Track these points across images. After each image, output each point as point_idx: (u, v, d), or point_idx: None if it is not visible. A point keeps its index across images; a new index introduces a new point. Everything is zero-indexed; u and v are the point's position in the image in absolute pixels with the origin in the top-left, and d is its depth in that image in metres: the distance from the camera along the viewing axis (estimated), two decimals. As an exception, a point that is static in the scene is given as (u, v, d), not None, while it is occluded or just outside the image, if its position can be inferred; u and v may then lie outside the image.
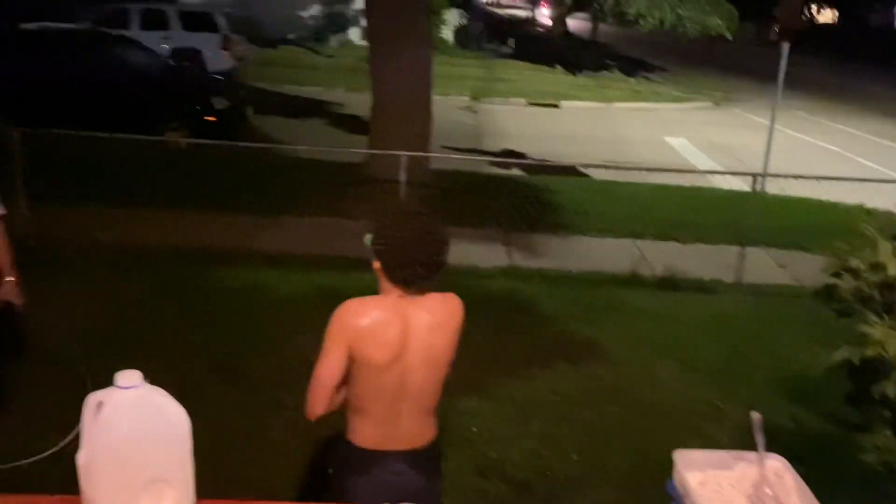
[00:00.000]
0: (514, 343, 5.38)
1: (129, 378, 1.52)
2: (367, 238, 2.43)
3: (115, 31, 13.59)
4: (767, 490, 1.81)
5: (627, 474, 4.05)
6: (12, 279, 3.69)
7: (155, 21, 16.64)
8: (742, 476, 1.86)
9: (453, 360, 2.41)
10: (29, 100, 9.12)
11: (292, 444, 4.10)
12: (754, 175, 7.53)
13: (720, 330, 5.92)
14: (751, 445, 1.90)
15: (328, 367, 2.24)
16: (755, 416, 1.89)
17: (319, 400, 2.27)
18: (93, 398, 1.53)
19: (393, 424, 2.35)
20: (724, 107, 19.76)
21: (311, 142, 10.34)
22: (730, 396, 4.83)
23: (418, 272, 2.25)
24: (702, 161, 12.83)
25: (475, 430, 4.40)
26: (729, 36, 19.88)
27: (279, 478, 3.89)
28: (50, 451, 3.82)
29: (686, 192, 9.76)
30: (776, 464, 1.89)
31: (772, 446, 1.91)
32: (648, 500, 3.84)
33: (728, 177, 10.07)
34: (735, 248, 7.21)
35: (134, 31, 15.61)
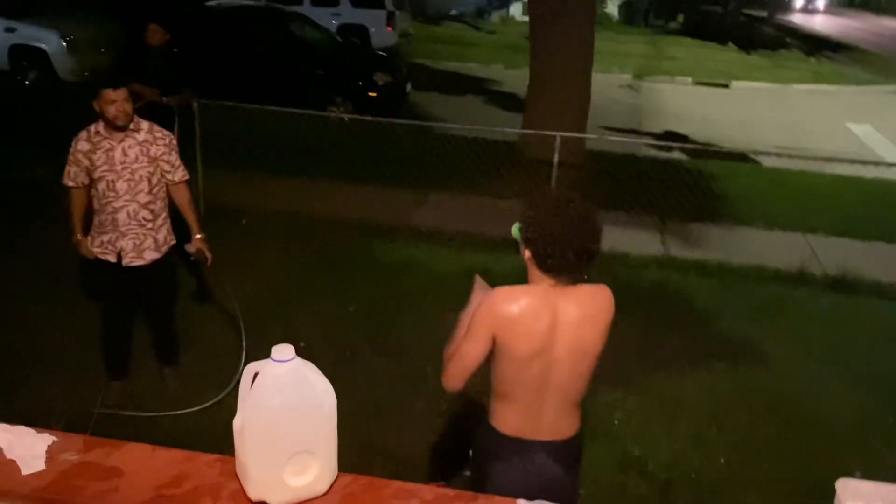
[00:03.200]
0: (664, 337, 5.14)
1: (284, 352, 1.59)
2: (516, 227, 2.36)
3: (288, 8, 14.30)
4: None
5: (780, 490, 3.78)
6: (200, 236, 4.02)
7: (327, -3, 17.30)
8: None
9: (601, 353, 2.32)
10: (208, 73, 9.75)
11: (433, 416, 4.17)
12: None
13: (898, 341, 5.36)
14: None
15: (474, 348, 2.23)
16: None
17: (460, 376, 2.27)
18: (250, 368, 1.61)
19: (536, 414, 2.30)
20: (920, 91, 17.83)
21: (468, 119, 10.39)
22: (907, 418, 4.37)
23: (570, 262, 2.17)
24: (889, 151, 11.65)
25: (616, 423, 4.26)
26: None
27: (418, 450, 3.97)
28: (206, 405, 4.12)
29: (868, 185, 8.91)
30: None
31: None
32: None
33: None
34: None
35: (306, 7, 16.32)
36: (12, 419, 3.61)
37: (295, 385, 1.56)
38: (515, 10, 25.64)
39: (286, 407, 1.55)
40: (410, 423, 4.18)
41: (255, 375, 1.59)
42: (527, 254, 2.25)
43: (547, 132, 6.71)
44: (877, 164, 9.74)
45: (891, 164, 9.85)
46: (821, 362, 4.98)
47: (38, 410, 3.95)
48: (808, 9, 27.64)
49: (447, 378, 2.30)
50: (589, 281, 2.31)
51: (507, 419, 2.33)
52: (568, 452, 2.37)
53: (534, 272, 2.26)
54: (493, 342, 2.22)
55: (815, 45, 22.85)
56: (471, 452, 2.52)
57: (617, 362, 4.15)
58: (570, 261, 2.16)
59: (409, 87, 12.23)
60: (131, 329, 4.31)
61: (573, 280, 2.23)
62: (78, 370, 4.38)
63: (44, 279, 5.40)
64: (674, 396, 4.51)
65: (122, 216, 3.84)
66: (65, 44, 11.65)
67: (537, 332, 2.18)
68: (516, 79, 15.15)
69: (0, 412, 4.00)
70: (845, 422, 4.37)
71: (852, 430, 4.30)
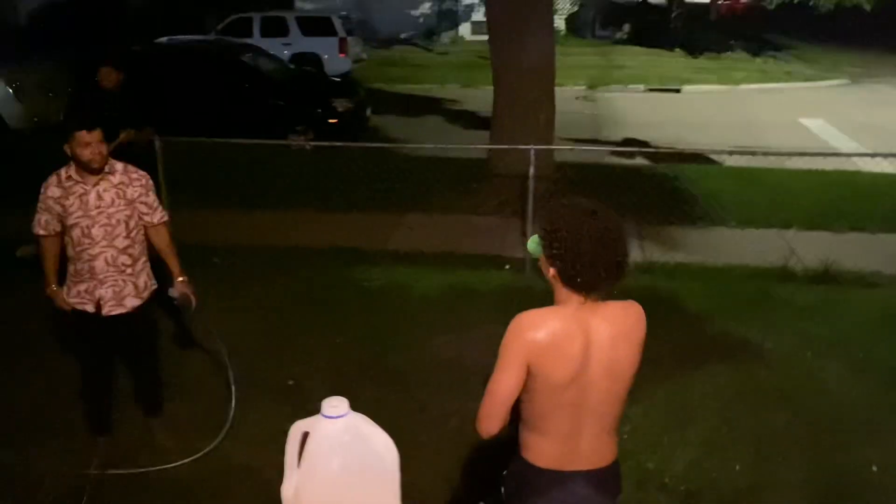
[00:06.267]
0: (660, 344, 5.00)
1: (337, 406, 1.41)
2: (533, 242, 2.23)
3: (238, 41, 14.11)
4: None
5: (803, 488, 3.71)
6: (183, 279, 3.83)
7: (275, 28, 17.17)
8: None
9: (636, 373, 2.21)
10: (165, 111, 9.52)
11: (440, 447, 4.02)
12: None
13: (890, 327, 5.37)
14: None
15: (505, 384, 2.07)
16: None
17: (495, 418, 2.10)
18: (298, 426, 1.43)
19: (573, 443, 2.17)
20: (863, 83, 18.32)
21: (430, 139, 10.29)
22: (912, 402, 4.36)
23: (601, 278, 2.04)
24: (844, 143, 11.90)
25: (625, 436, 4.16)
26: (867, 6, 18.48)
27: (428, 484, 3.80)
28: (195, 457, 3.92)
29: (832, 177, 9.04)
30: None
31: None
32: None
33: (879, 159, 9.23)
34: (894, 238, 6.58)
35: (256, 39, 16.17)
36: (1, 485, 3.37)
37: (353, 443, 1.40)
38: (465, 31, 25.78)
39: (346, 470, 1.38)
40: (417, 455, 4.01)
41: (305, 435, 1.41)
42: (551, 272, 2.13)
43: (522, 146, 6.64)
44: (837, 155, 9.94)
45: (850, 155, 10.09)
46: (817, 354, 4.96)
47: (28, 477, 3.75)
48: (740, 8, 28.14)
49: (482, 420, 2.11)
50: (616, 297, 2.20)
51: (543, 451, 2.19)
52: (609, 479, 2.25)
53: (560, 291, 2.13)
54: (526, 372, 2.07)
55: (758, 45, 23.35)
56: (502, 489, 2.36)
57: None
58: (601, 276, 2.04)
59: (368, 111, 12.13)
60: (112, 381, 4.09)
61: (603, 296, 2.11)
62: (61, 429, 4.14)
63: (17, 335, 5.15)
64: (679, 403, 4.43)
65: (99, 263, 3.63)
66: (11, 91, 11.29)
67: (572, 355, 2.05)
68: (473, 97, 15.19)
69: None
70: (851, 412, 4.34)
71: (860, 420, 4.27)
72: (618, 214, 2.17)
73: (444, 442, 4.08)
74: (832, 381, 4.66)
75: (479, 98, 13.54)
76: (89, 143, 3.46)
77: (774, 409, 4.35)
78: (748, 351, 5.00)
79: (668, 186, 8.40)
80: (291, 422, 4.14)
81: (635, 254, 6.85)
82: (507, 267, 6.44)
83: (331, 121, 10.72)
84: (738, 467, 3.91)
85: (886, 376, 4.69)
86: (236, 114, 10.35)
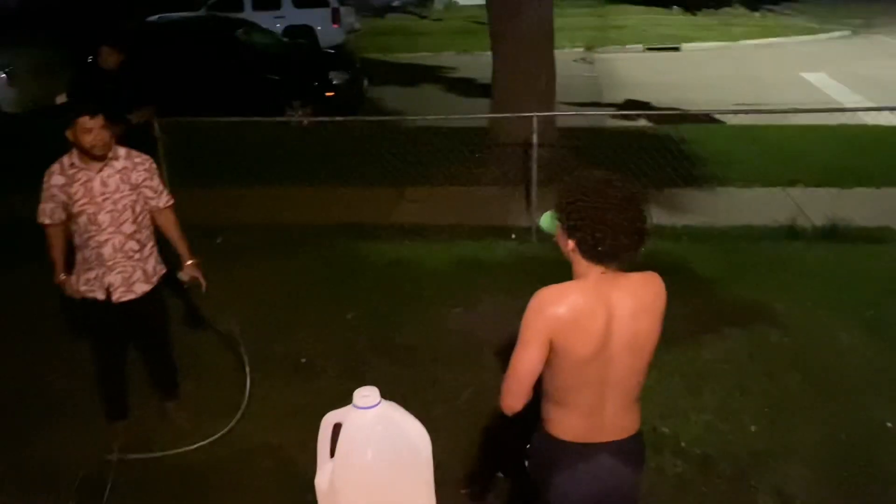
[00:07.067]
0: (671, 308, 4.99)
1: (368, 397, 1.39)
2: (546, 219, 2.21)
3: (231, 15, 13.92)
4: None
5: (819, 450, 3.72)
6: (192, 262, 3.82)
7: (267, 1, 16.91)
8: None
9: (657, 345, 2.20)
10: (161, 90, 9.42)
11: (454, 420, 4.03)
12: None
13: (902, 283, 5.35)
14: None
15: (528, 361, 2.06)
16: None
17: (518, 395, 2.09)
18: (330, 417, 1.42)
19: (597, 416, 2.16)
20: (864, 35, 18.09)
21: (429, 109, 10.22)
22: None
23: (624, 245, 2.02)
24: (847, 97, 11.77)
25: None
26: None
27: (444, 457, 3.80)
28: (213, 438, 3.94)
29: (837, 131, 8.98)
30: None
31: None
32: (850, 481, 3.53)
33: (885, 112, 9.15)
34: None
35: (248, 13, 15.95)
36: (25, 472, 3.40)
37: (386, 434, 1.38)
38: (457, -5, 25.45)
39: (381, 461, 1.36)
40: (431, 429, 4.02)
41: (337, 427, 1.39)
42: (570, 244, 2.10)
43: (524, 114, 6.57)
44: (841, 110, 9.84)
45: (854, 110, 9.99)
46: (830, 315, 4.95)
47: (50, 464, 3.77)
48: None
49: (505, 397, 2.11)
50: (636, 268, 2.18)
51: (567, 425, 2.19)
52: (633, 450, 2.25)
53: (580, 263, 2.11)
54: (549, 349, 2.07)
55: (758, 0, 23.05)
56: (526, 463, 2.37)
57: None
58: (623, 244, 2.02)
59: (366, 82, 12.00)
60: (126, 366, 4.09)
61: (624, 266, 2.09)
62: (78, 415, 4.17)
63: (29, 323, 5.16)
64: (692, 368, 4.43)
65: (107, 250, 3.60)
66: (4, 75, 11.17)
67: (595, 330, 2.04)
68: (470, 63, 15.03)
69: (13, 464, 3.83)
70: (865, 372, 4.34)
71: (872, 378, 4.27)
72: (633, 181, 2.14)
73: (457, 415, 4.09)
74: (843, 340, 4.66)
75: (477, 64, 13.39)
76: (91, 129, 3.41)
77: (787, 370, 4.35)
78: (759, 313, 4.99)
79: (671, 148, 8.31)
80: (306, 399, 4.20)
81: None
82: (514, 236, 6.41)
83: (328, 94, 10.60)
84: (753, 429, 3.93)
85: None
86: (232, 91, 10.24)
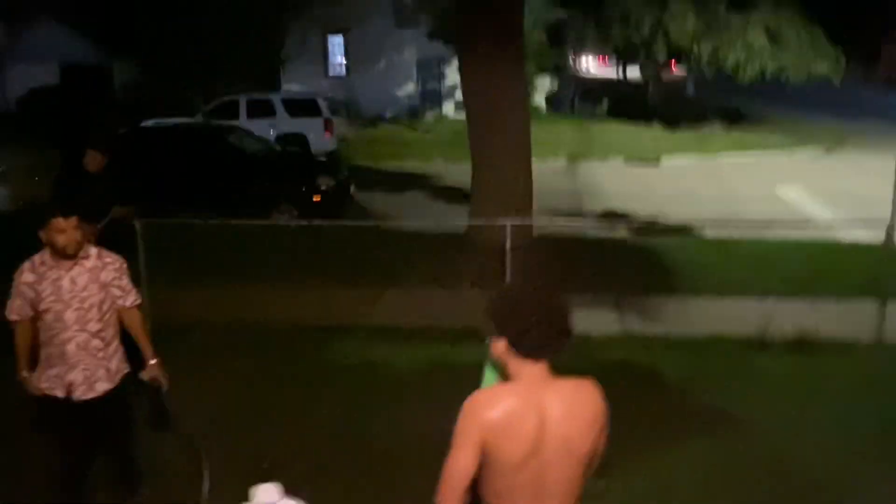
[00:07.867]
0: (639, 417, 5.03)
1: (269, 493, 1.43)
2: (488, 373, 2.33)
3: (225, 123, 14.42)
4: None
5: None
6: (154, 361, 3.83)
7: (262, 109, 17.54)
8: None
9: (596, 455, 2.22)
10: (150, 192, 9.65)
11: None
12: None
13: (869, 395, 5.38)
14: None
15: (461, 465, 2.09)
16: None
17: (452, 498, 2.11)
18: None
19: (533, 526, 2.16)
20: (837, 153, 18.80)
21: (413, 214, 10.46)
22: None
23: (550, 336, 2.12)
24: (820, 212, 12.13)
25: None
26: (836, 81, 19.13)
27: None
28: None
29: (810, 246, 9.19)
30: None
31: None
32: None
33: (857, 227, 9.42)
34: (871, 305, 6.65)
35: (242, 121, 16.51)
36: None
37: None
38: (448, 109, 26.40)
39: None
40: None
41: None
42: (502, 345, 2.18)
43: (497, 222, 6.76)
44: (813, 226, 10.14)
45: (827, 226, 10.28)
46: (797, 424, 4.96)
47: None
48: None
49: (439, 501, 2.14)
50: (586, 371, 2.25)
51: (503, 535, 2.18)
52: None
53: (512, 363, 2.18)
54: (482, 452, 2.10)
55: (734, 116, 23.97)
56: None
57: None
58: (549, 335, 2.11)
59: (352, 188, 12.33)
60: (89, 467, 4.01)
61: (553, 358, 2.16)
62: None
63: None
64: (661, 477, 4.39)
65: (70, 347, 3.63)
66: (-2, 174, 11.46)
67: (525, 433, 2.08)
68: (456, 172, 15.41)
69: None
70: (832, 482, 4.32)
71: (841, 489, 4.25)
72: (556, 286, 2.26)
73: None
74: (811, 451, 4.65)
75: (462, 173, 13.77)
76: (64, 230, 3.50)
77: (755, 480, 4.33)
78: (728, 422, 4.99)
79: (648, 258, 8.50)
80: None
81: (614, 326, 6.89)
82: (487, 340, 6.44)
83: (315, 198, 10.88)
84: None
85: (865, 444, 4.69)
86: (222, 193, 10.50)
